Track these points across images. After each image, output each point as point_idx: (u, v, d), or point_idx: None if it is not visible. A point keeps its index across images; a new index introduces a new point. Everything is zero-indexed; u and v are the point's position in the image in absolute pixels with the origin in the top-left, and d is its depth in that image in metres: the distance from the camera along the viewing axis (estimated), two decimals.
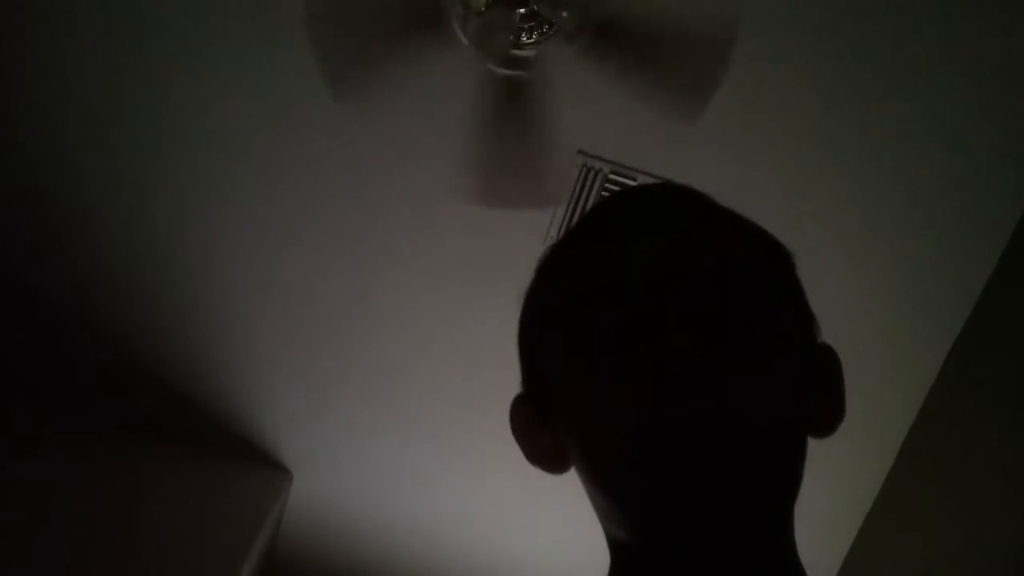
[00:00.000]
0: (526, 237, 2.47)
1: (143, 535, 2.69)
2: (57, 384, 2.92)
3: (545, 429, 0.66)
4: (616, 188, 2.37)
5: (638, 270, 0.60)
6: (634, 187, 0.72)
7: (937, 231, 2.34)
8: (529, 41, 1.83)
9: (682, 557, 0.56)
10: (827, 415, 0.66)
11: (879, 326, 2.49)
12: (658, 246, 0.62)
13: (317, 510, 3.12)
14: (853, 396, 2.50)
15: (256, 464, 3.00)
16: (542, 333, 0.67)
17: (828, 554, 2.77)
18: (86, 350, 2.84)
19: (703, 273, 0.60)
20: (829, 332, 2.45)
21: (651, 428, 0.55)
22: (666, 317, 0.58)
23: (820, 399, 0.65)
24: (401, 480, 3.00)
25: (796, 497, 0.60)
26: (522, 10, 1.80)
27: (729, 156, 2.30)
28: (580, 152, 2.32)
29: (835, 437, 2.47)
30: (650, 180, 2.33)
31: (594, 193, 2.38)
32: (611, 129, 2.21)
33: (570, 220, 2.43)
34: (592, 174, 2.35)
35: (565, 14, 1.82)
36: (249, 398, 2.89)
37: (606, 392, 0.58)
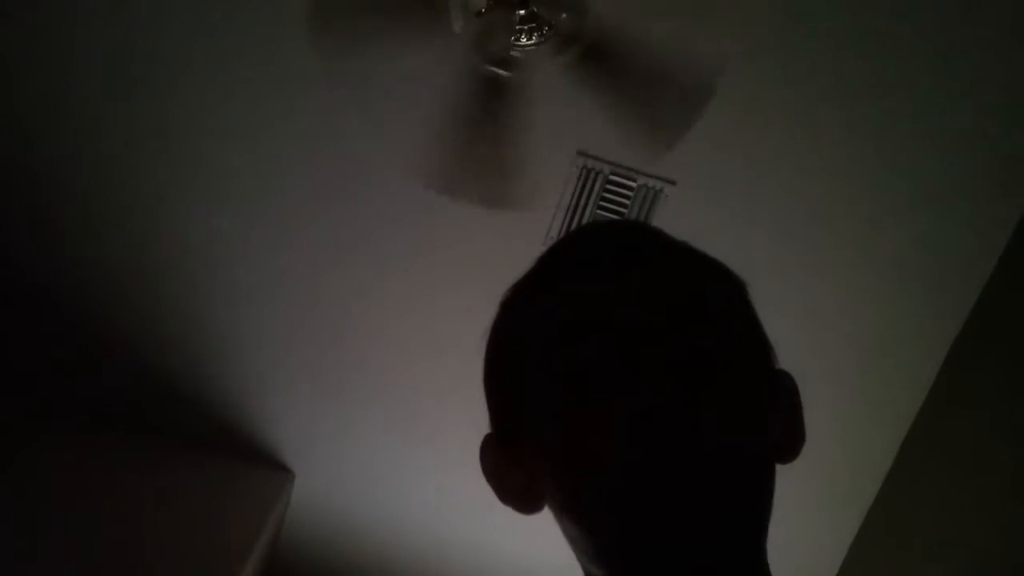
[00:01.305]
0: (526, 238, 2.47)
1: (145, 535, 2.69)
2: (59, 385, 2.93)
3: (517, 468, 0.66)
4: (616, 189, 2.37)
5: (603, 309, 0.62)
6: (591, 224, 0.73)
7: (936, 233, 2.34)
8: (529, 43, 1.84)
9: None
10: (789, 440, 0.67)
11: (877, 328, 2.49)
12: (621, 286, 0.63)
13: (319, 510, 3.13)
14: (854, 395, 2.49)
15: (258, 464, 3.00)
16: (512, 373, 0.67)
17: (828, 553, 2.77)
18: (88, 351, 2.84)
19: (669, 310, 0.62)
20: (829, 332, 2.44)
21: (628, 470, 0.56)
22: (638, 357, 0.59)
23: (782, 425, 0.66)
24: (403, 479, 3.00)
25: (767, 525, 0.61)
26: (522, 12, 1.80)
27: (728, 156, 2.30)
28: (580, 153, 2.32)
29: (830, 442, 2.49)
30: (649, 181, 2.34)
31: (594, 194, 2.39)
32: (611, 130, 2.22)
33: (570, 221, 2.44)
34: (592, 175, 2.36)
35: (564, 16, 1.82)
36: (251, 398, 2.90)
37: (581, 433, 0.59)
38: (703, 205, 2.36)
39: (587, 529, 0.60)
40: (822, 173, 2.30)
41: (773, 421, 0.64)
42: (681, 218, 2.36)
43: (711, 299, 0.65)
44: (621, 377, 0.58)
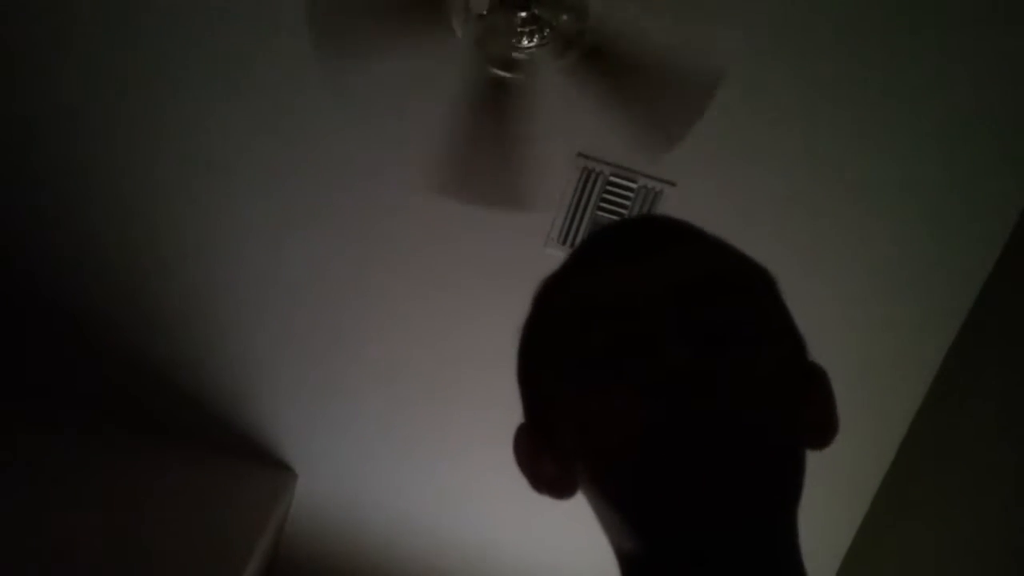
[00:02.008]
0: (527, 239, 2.48)
1: (148, 534, 2.70)
2: (61, 384, 2.93)
3: (549, 454, 0.68)
4: (617, 190, 2.38)
5: (634, 287, 0.63)
6: (622, 219, 0.75)
7: (936, 232, 2.35)
8: (530, 45, 1.85)
9: (689, 563, 0.57)
10: (822, 428, 0.68)
11: (876, 326, 2.50)
12: (651, 265, 0.64)
13: (322, 509, 3.13)
14: (854, 393, 2.50)
15: (261, 464, 3.01)
16: (543, 359, 0.69)
17: (827, 551, 2.78)
18: (89, 350, 2.85)
19: (697, 286, 0.62)
20: (828, 332, 2.45)
21: (655, 435, 0.56)
22: (665, 329, 0.60)
23: (814, 412, 0.67)
24: (405, 480, 3.01)
25: (798, 502, 0.61)
26: (523, 14, 1.81)
27: (728, 158, 2.31)
28: (580, 155, 2.33)
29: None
30: (650, 182, 2.35)
31: (595, 195, 2.40)
32: (611, 132, 2.23)
33: (571, 222, 2.45)
34: (593, 176, 2.37)
35: (566, 18, 1.83)
36: (254, 398, 2.91)
37: (609, 403, 0.60)
38: (703, 206, 2.37)
39: (617, 501, 0.60)
40: (822, 173, 2.31)
41: (804, 405, 0.64)
42: (681, 219, 2.37)
43: (741, 283, 0.66)
44: (647, 345, 0.59)
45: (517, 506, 2.89)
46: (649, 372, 0.58)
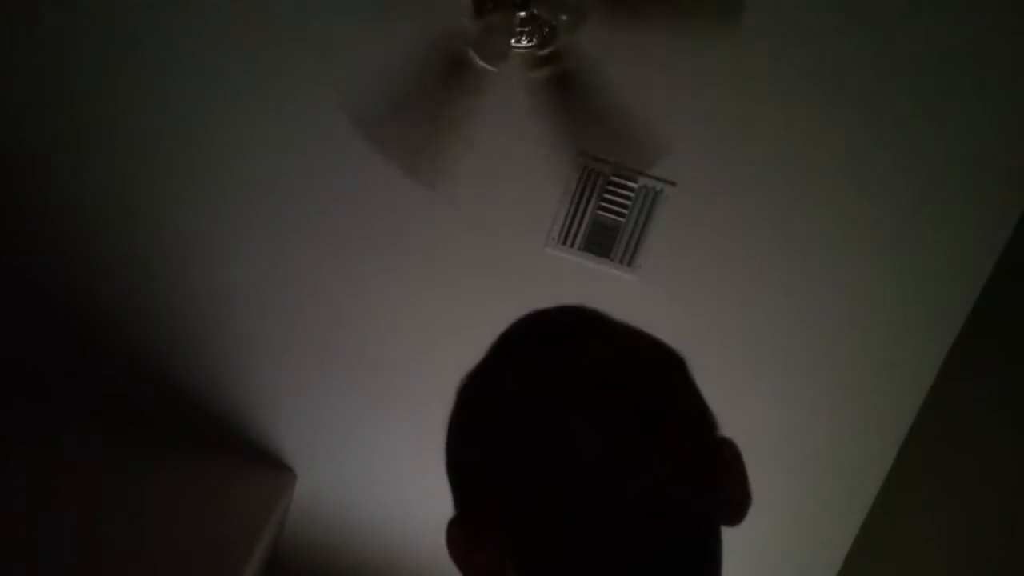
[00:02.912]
0: (528, 239, 2.48)
1: (148, 534, 2.70)
2: (60, 384, 2.93)
3: (480, 548, 0.70)
4: (617, 190, 2.38)
5: (552, 384, 0.65)
6: (538, 311, 0.78)
7: (937, 233, 2.35)
8: (530, 44, 1.85)
9: None
10: (736, 501, 0.70)
11: (877, 326, 2.50)
12: (568, 361, 0.67)
13: (321, 509, 3.13)
14: (855, 393, 2.49)
15: (261, 463, 3.01)
16: (468, 455, 0.72)
17: (829, 552, 2.78)
18: (91, 352, 2.85)
19: (611, 381, 0.65)
20: (828, 331, 2.43)
21: (579, 532, 0.59)
22: (582, 426, 0.62)
23: (727, 487, 0.69)
24: (404, 478, 3.01)
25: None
26: (522, 13, 1.81)
27: (729, 157, 2.31)
28: (581, 154, 2.33)
29: (830, 444, 2.48)
30: (650, 181, 2.35)
31: (595, 195, 2.39)
32: (612, 131, 2.22)
33: (571, 221, 2.44)
34: (593, 176, 2.37)
35: (564, 17, 1.83)
36: (254, 398, 2.91)
37: (532, 502, 0.62)
38: (703, 205, 2.36)
39: None
40: (823, 173, 2.30)
41: (719, 483, 0.67)
42: (681, 218, 2.37)
43: (652, 370, 0.69)
44: (566, 441, 0.61)
45: None
46: (569, 470, 0.60)
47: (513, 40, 1.84)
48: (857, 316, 2.48)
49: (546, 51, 1.86)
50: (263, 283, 2.68)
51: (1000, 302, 2.34)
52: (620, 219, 2.41)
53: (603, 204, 2.40)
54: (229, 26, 2.27)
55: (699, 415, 0.71)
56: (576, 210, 2.42)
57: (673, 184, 2.34)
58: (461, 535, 0.73)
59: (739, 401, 2.50)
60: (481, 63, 1.87)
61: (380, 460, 2.99)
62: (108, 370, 2.89)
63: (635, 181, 2.36)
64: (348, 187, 2.48)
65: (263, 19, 2.23)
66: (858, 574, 2.74)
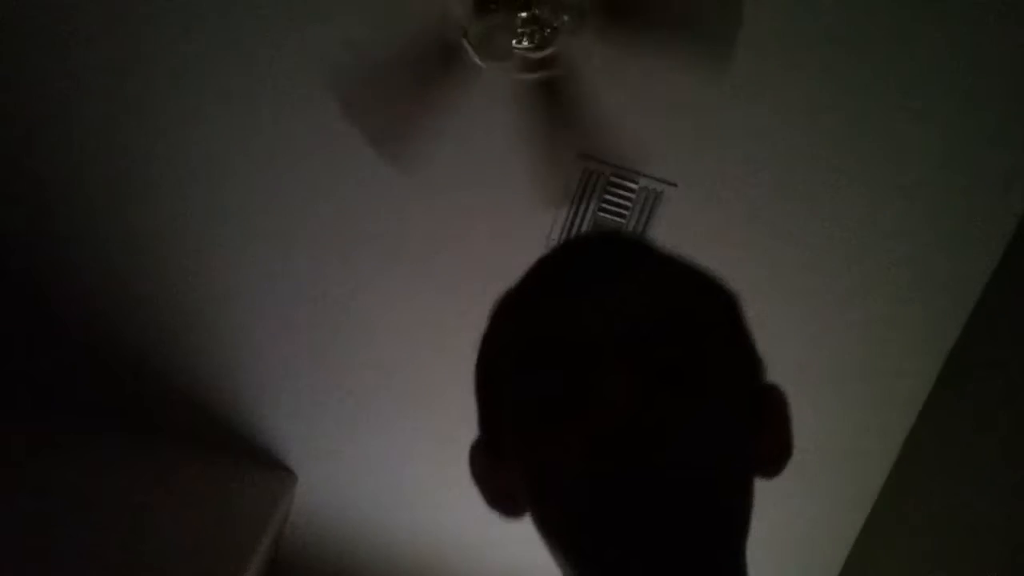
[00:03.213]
0: (528, 240, 2.48)
1: (148, 536, 2.70)
2: (61, 386, 2.93)
3: (501, 475, 0.68)
4: (618, 191, 2.38)
5: (582, 329, 0.62)
6: (583, 236, 0.74)
7: (937, 231, 2.34)
8: (530, 45, 1.85)
9: None
10: (774, 455, 0.67)
11: (878, 327, 2.49)
12: (601, 302, 0.63)
13: (321, 511, 3.13)
14: (855, 394, 2.48)
15: (261, 466, 3.01)
16: (495, 384, 0.69)
17: (830, 552, 2.78)
18: (91, 353, 2.85)
19: (643, 328, 0.61)
20: (830, 331, 2.44)
21: (600, 489, 0.56)
22: (615, 378, 0.59)
23: (766, 439, 0.66)
24: (405, 481, 3.00)
25: (746, 537, 0.61)
26: (523, 14, 1.81)
27: (729, 158, 2.31)
28: (581, 155, 2.33)
29: (833, 440, 2.48)
30: (651, 183, 2.34)
31: (596, 196, 2.39)
32: (613, 132, 2.22)
33: (572, 223, 2.44)
34: (594, 177, 2.36)
35: (566, 17, 1.83)
36: (254, 400, 2.90)
37: (556, 452, 0.60)
38: (704, 207, 2.36)
39: (561, 545, 0.61)
40: (823, 174, 2.30)
41: (756, 436, 0.64)
42: (682, 220, 2.37)
43: (693, 314, 0.65)
44: (590, 397, 0.59)
45: None
46: (597, 424, 0.57)
47: (514, 41, 1.84)
48: (858, 315, 2.48)
49: (547, 52, 1.86)
50: (264, 285, 2.68)
51: (1000, 306, 2.34)
52: (621, 220, 2.41)
53: (604, 206, 2.40)
54: (231, 22, 2.26)
55: (744, 362, 0.67)
56: (577, 212, 2.42)
57: (674, 185, 2.34)
58: (482, 459, 0.72)
59: None
60: (482, 64, 1.87)
61: (381, 462, 2.99)
62: (108, 372, 2.89)
63: (636, 182, 2.36)
64: (348, 189, 2.48)
65: (263, 17, 2.23)
66: (861, 572, 2.73)
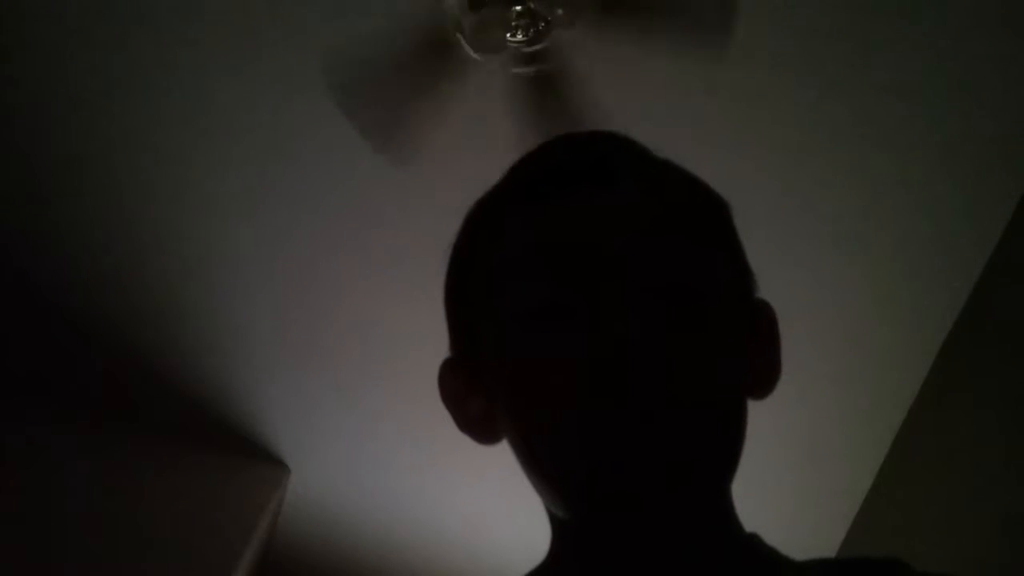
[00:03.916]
0: None
1: (141, 530, 2.70)
2: (55, 380, 2.93)
3: (475, 395, 0.63)
4: None
5: (579, 240, 0.57)
6: (565, 135, 0.66)
7: (933, 226, 2.35)
8: (525, 39, 1.84)
9: (622, 534, 0.55)
10: (764, 374, 0.64)
11: (874, 321, 2.51)
12: (598, 208, 0.58)
13: (314, 504, 3.13)
14: (850, 383, 2.48)
15: (254, 459, 3.01)
16: (471, 297, 0.63)
17: (829, 529, 2.79)
18: (86, 348, 2.84)
19: (633, 240, 0.57)
20: (827, 328, 2.45)
21: (591, 415, 0.53)
22: (608, 298, 0.54)
23: (758, 357, 0.63)
24: (398, 474, 3.01)
25: (737, 464, 0.58)
26: (518, 8, 1.81)
27: (728, 152, 2.31)
28: None
29: (826, 434, 2.48)
30: None
31: None
32: (610, 126, 2.22)
33: None
34: None
35: (560, 11, 1.83)
36: (247, 393, 2.90)
37: (545, 375, 0.55)
38: None
39: (547, 473, 0.57)
40: (818, 168, 2.31)
41: (749, 355, 0.61)
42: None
43: (685, 226, 0.60)
44: (577, 316, 0.55)
45: (512, 499, 2.89)
46: (590, 347, 0.53)
47: (508, 34, 1.84)
48: (854, 311, 2.49)
49: (540, 46, 1.86)
50: (258, 279, 2.67)
51: (996, 293, 2.35)
52: None
53: None
54: (228, 20, 2.26)
55: (738, 277, 0.64)
56: None
57: None
58: (454, 380, 0.67)
59: None
60: (477, 58, 1.87)
61: (373, 454, 2.99)
62: (100, 366, 2.88)
63: None
64: (344, 186, 2.47)
65: (269, 15, 2.22)
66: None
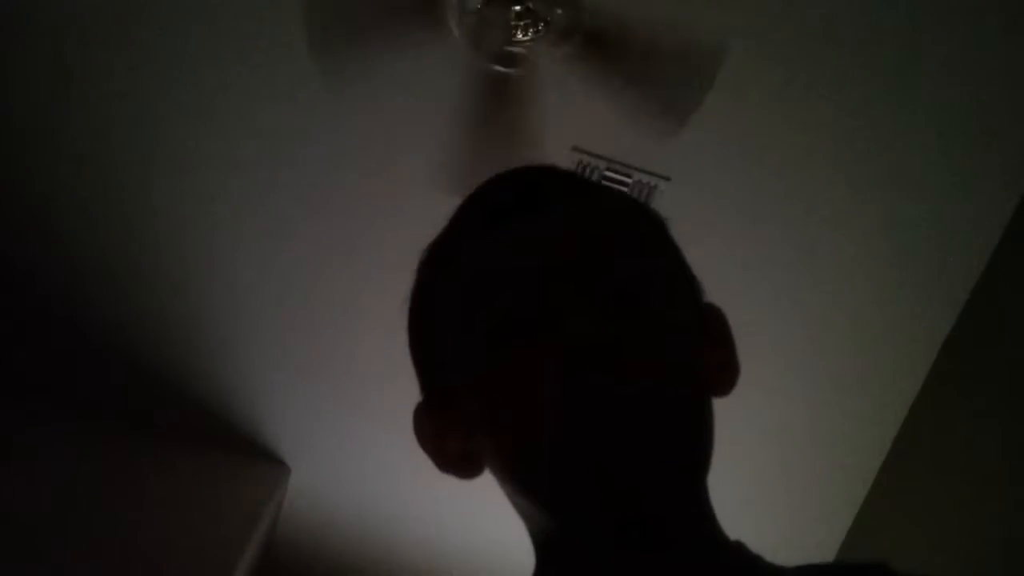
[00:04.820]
0: None
1: (142, 529, 2.70)
2: (56, 380, 2.93)
3: (452, 433, 0.67)
4: (611, 185, 2.38)
5: (529, 255, 0.61)
6: (500, 173, 0.71)
7: (932, 226, 2.35)
8: (524, 38, 1.84)
9: (607, 537, 0.57)
10: (723, 372, 0.67)
11: (872, 321, 2.50)
12: (533, 229, 0.62)
13: (315, 503, 3.13)
14: (850, 385, 2.48)
15: (254, 458, 3.01)
16: (439, 334, 0.67)
17: (827, 533, 2.79)
18: (86, 348, 2.84)
19: (592, 250, 0.61)
20: (825, 328, 2.45)
21: (563, 413, 0.55)
22: (565, 301, 0.58)
23: (714, 354, 0.66)
24: (398, 473, 3.01)
25: (710, 459, 0.60)
26: (517, 7, 1.81)
27: (724, 153, 2.31)
28: (575, 149, 2.33)
29: (833, 420, 2.48)
30: (645, 176, 2.35)
31: None
32: (606, 126, 2.23)
33: None
34: (587, 171, 2.37)
35: (560, 11, 1.83)
36: (247, 393, 2.90)
37: (514, 382, 0.58)
38: (699, 201, 2.37)
39: (525, 481, 0.59)
40: (819, 168, 2.31)
41: (704, 354, 0.63)
42: (677, 214, 2.36)
43: (628, 236, 0.64)
44: (541, 322, 0.58)
45: None
46: (552, 348, 0.56)
47: (508, 34, 1.84)
48: (852, 310, 2.49)
49: (540, 45, 1.86)
50: (259, 280, 2.68)
51: (996, 294, 2.35)
52: None
53: None
54: (232, 17, 2.26)
55: (683, 282, 0.67)
56: None
57: (668, 179, 2.34)
58: (430, 422, 0.70)
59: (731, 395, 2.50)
60: (477, 57, 1.87)
61: (374, 454, 2.99)
62: (101, 367, 2.88)
63: (630, 176, 2.36)
64: (346, 186, 2.47)
65: (271, 12, 2.22)
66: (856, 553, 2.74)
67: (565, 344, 0.56)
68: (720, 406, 0.73)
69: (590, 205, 0.66)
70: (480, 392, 0.61)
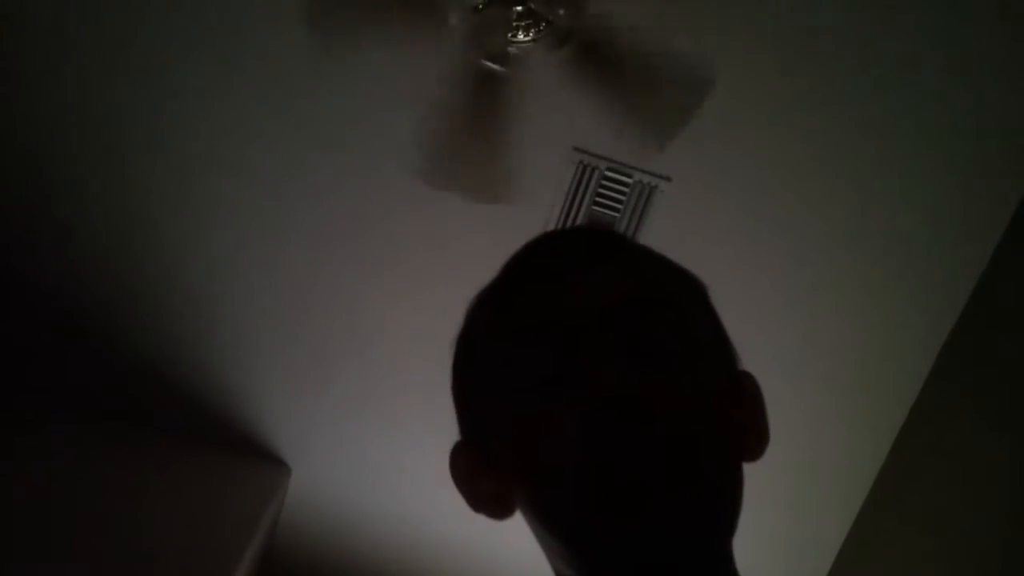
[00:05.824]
0: (523, 234, 2.47)
1: (142, 529, 2.70)
2: (57, 380, 2.93)
3: (487, 475, 0.68)
4: (612, 185, 2.38)
5: (567, 309, 0.63)
6: (552, 232, 0.76)
7: (932, 228, 2.35)
8: (525, 39, 1.84)
9: None
10: (754, 438, 0.68)
11: (872, 323, 2.50)
12: (584, 285, 0.64)
13: (315, 504, 3.13)
14: (849, 389, 2.49)
15: (255, 458, 3.01)
16: (478, 378, 0.69)
17: (821, 549, 2.79)
18: (86, 348, 2.84)
19: (627, 306, 0.63)
20: (823, 328, 2.45)
21: (591, 462, 0.57)
22: (598, 353, 0.60)
23: (744, 420, 0.67)
24: (398, 474, 3.01)
25: (737, 520, 0.61)
26: (518, 8, 1.81)
27: (724, 153, 2.31)
28: (576, 149, 2.33)
29: (823, 441, 2.49)
30: (645, 177, 2.35)
31: (590, 190, 2.39)
32: (607, 126, 2.23)
33: (567, 217, 2.44)
34: (588, 171, 2.37)
35: (561, 12, 1.83)
36: (248, 393, 2.90)
37: (545, 429, 0.60)
38: (698, 201, 2.37)
39: (553, 529, 0.61)
40: (818, 169, 2.31)
41: (734, 419, 0.65)
42: (676, 214, 2.38)
43: (667, 296, 0.67)
44: (572, 375, 0.60)
45: None
46: (583, 398, 0.58)
47: (509, 35, 1.84)
48: (851, 311, 2.49)
49: (542, 45, 1.86)
50: (259, 281, 2.68)
51: (996, 294, 2.35)
52: (615, 214, 2.41)
53: (598, 199, 2.41)
54: (229, 17, 2.26)
55: (719, 346, 0.69)
56: (571, 205, 2.42)
57: (668, 179, 2.35)
58: (467, 461, 0.71)
59: None
60: (477, 59, 1.87)
61: (374, 454, 2.99)
62: (101, 367, 2.88)
63: (630, 176, 2.36)
64: (345, 186, 2.48)
65: (268, 11, 2.22)
66: (849, 572, 2.75)
67: (592, 393, 0.58)
68: None
69: (633, 266, 0.68)
70: (513, 436, 0.63)
